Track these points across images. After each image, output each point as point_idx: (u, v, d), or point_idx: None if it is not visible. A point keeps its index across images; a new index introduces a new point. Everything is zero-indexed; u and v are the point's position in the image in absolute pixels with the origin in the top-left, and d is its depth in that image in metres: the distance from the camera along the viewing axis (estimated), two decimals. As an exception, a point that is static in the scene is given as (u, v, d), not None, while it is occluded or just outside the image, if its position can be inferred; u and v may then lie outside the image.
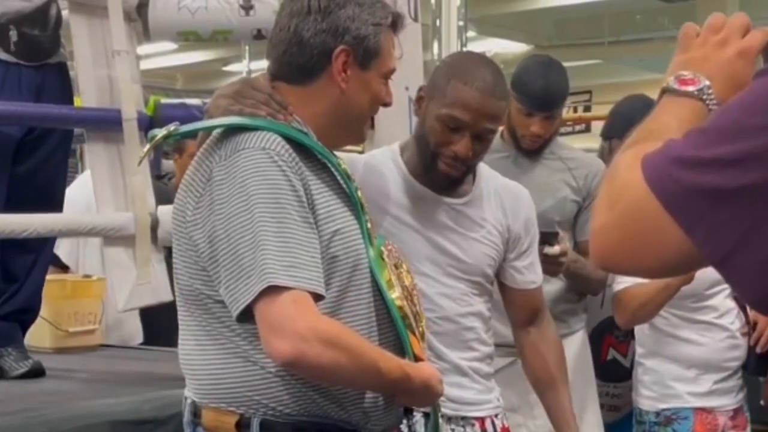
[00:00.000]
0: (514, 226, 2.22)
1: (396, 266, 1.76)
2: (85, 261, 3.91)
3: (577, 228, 2.90)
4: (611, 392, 3.14)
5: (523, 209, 2.25)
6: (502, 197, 2.22)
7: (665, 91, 1.13)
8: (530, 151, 2.88)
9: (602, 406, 3.10)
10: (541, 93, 2.78)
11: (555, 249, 2.57)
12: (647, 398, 2.90)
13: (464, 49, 5.20)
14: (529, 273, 2.26)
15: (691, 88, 1.11)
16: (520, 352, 2.32)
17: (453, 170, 2.09)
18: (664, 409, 2.86)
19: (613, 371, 3.12)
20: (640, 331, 2.94)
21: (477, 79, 2.07)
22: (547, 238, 2.57)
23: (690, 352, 2.85)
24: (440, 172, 2.09)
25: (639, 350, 2.95)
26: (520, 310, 2.28)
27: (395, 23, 1.80)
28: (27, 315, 2.97)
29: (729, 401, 2.87)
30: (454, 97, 2.05)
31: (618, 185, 1.02)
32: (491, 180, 2.23)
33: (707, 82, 1.11)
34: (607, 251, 1.03)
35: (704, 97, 1.11)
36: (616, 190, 1.02)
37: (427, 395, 1.73)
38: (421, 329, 1.77)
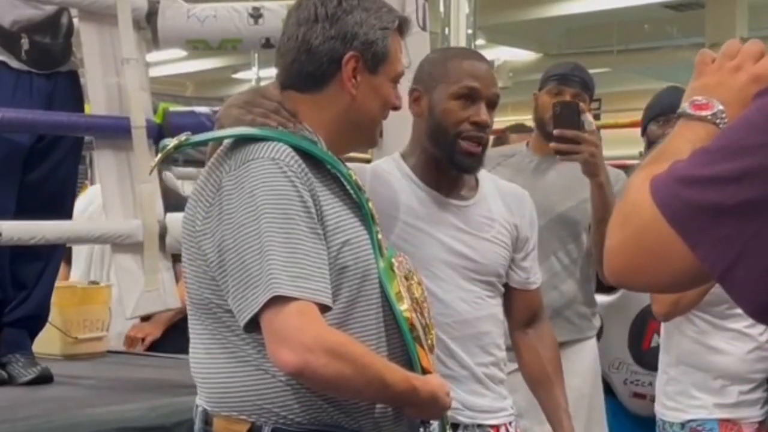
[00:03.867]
0: (522, 225, 2.24)
1: (406, 278, 1.75)
2: None
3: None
4: (654, 382, 3.10)
5: (527, 209, 2.27)
6: (506, 197, 2.24)
7: (680, 115, 1.17)
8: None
9: (644, 397, 3.06)
10: (570, 68, 2.98)
11: (589, 117, 2.64)
12: (671, 409, 2.84)
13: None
14: (531, 272, 2.27)
15: (705, 113, 1.15)
16: (517, 352, 2.32)
17: (475, 145, 2.11)
18: (689, 420, 2.79)
19: (657, 359, 3.08)
20: (667, 338, 2.91)
21: (470, 54, 2.30)
22: (567, 112, 2.64)
23: (717, 363, 2.80)
24: (464, 154, 2.11)
25: (664, 358, 2.91)
26: (520, 311, 2.28)
27: (402, 27, 1.80)
28: (35, 322, 2.97)
29: (754, 413, 2.80)
30: (460, 72, 2.12)
31: (629, 205, 1.08)
32: (492, 182, 2.25)
33: (721, 107, 1.15)
34: (620, 269, 1.09)
35: (718, 121, 1.15)
36: (628, 211, 1.07)
37: (435, 407, 1.72)
38: (429, 341, 1.76)
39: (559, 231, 2.83)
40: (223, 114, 1.77)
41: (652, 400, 3.07)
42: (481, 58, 2.21)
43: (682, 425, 2.82)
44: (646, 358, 3.06)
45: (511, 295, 2.26)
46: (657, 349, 3.05)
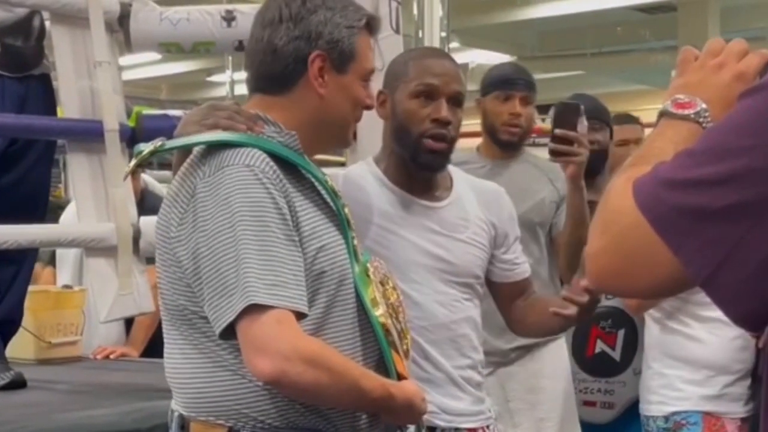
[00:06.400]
0: (500, 221, 2.24)
1: (382, 283, 1.75)
2: None
3: (553, 226, 2.91)
4: (603, 388, 3.09)
5: (505, 205, 2.27)
6: (481, 196, 2.24)
7: (662, 114, 1.14)
8: (510, 144, 2.90)
9: (594, 404, 3.07)
10: (514, 70, 2.99)
11: (584, 120, 2.56)
12: (655, 403, 2.84)
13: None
14: (520, 264, 2.27)
15: (687, 111, 1.12)
16: (512, 324, 2.30)
17: (439, 142, 2.10)
18: (673, 413, 2.80)
19: (603, 365, 3.08)
20: (649, 333, 2.92)
21: (431, 52, 2.39)
22: (567, 112, 2.55)
23: (700, 353, 2.80)
24: (428, 152, 2.10)
25: (648, 353, 2.91)
26: (510, 298, 2.27)
27: (370, 25, 1.80)
28: (8, 326, 2.95)
29: (738, 409, 2.82)
30: (418, 70, 2.13)
31: (610, 210, 1.04)
32: (466, 181, 2.25)
33: (704, 105, 1.12)
34: (602, 274, 1.06)
35: (701, 120, 1.12)
36: (609, 215, 1.04)
37: (411, 413, 1.72)
38: (405, 347, 1.76)
39: (520, 233, 2.84)
40: (181, 132, 1.73)
41: (603, 406, 3.08)
42: (444, 56, 2.22)
43: (666, 418, 2.81)
44: (591, 365, 3.07)
45: (503, 292, 2.26)
46: (601, 355, 3.07)
